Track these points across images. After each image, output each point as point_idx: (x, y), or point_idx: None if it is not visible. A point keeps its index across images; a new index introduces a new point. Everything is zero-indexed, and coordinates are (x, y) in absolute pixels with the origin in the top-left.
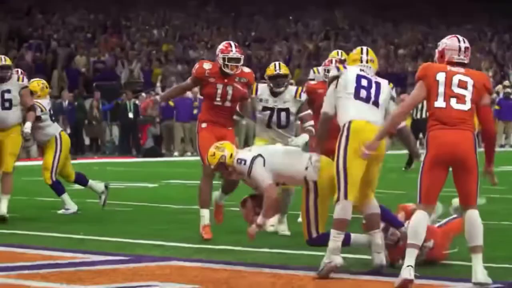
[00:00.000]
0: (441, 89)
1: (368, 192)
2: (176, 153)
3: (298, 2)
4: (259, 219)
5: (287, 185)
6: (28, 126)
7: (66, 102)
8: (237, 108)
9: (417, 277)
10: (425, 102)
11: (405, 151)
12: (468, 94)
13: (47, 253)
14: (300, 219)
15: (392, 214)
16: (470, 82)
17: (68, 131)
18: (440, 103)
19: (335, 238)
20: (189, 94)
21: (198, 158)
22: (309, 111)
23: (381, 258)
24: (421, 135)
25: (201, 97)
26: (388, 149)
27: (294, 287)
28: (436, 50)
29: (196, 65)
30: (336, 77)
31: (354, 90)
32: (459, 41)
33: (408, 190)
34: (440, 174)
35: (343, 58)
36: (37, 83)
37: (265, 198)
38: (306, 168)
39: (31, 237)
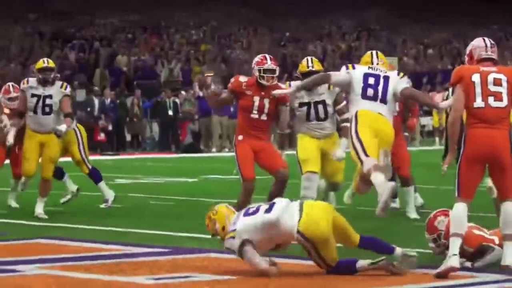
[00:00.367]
0: (478, 89)
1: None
2: (214, 149)
3: (331, 3)
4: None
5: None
6: (63, 128)
7: (108, 100)
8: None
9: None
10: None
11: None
12: (504, 90)
13: (90, 246)
14: None
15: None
16: (504, 78)
17: (110, 128)
18: (478, 103)
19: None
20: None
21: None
22: (345, 103)
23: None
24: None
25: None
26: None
27: (327, 278)
28: (465, 55)
29: (233, 79)
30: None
31: (361, 90)
32: (484, 39)
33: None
34: (477, 171)
35: (379, 59)
36: None
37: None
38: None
39: (74, 230)
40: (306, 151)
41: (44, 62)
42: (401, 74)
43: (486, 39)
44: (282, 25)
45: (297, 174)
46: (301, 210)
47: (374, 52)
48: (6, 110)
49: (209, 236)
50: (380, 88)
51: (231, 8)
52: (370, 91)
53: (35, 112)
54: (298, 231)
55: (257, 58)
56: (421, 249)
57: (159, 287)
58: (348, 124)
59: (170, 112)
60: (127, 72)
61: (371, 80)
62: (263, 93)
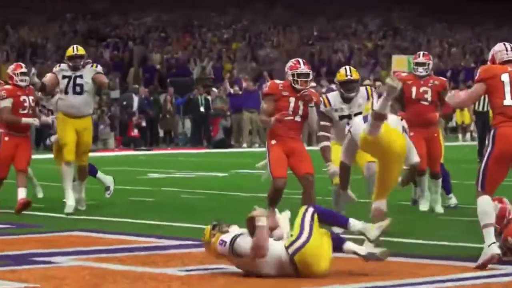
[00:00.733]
0: (507, 88)
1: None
2: (244, 145)
3: (358, 3)
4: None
5: None
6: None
7: (142, 97)
8: None
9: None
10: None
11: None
12: None
13: (123, 238)
14: None
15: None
16: None
17: (144, 124)
18: (508, 101)
19: None
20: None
21: (265, 149)
22: None
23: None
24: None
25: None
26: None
27: (354, 270)
28: (488, 61)
29: (267, 84)
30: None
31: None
32: (504, 44)
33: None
34: (504, 169)
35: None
36: None
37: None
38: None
39: (108, 223)
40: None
41: (74, 50)
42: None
43: (506, 43)
44: (310, 24)
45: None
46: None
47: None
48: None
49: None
50: None
51: (261, 8)
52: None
53: (66, 92)
54: (291, 258)
55: (290, 63)
56: (444, 242)
57: (191, 278)
58: None
59: (202, 109)
60: (161, 70)
61: None
62: (298, 95)
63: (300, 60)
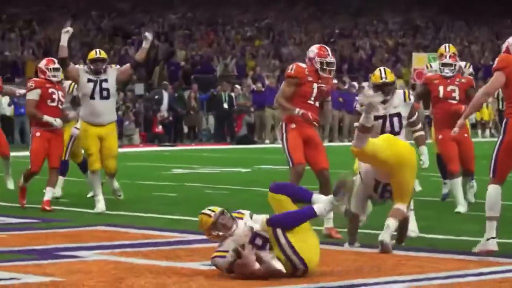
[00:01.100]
0: None
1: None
2: (267, 141)
3: (379, 1)
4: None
5: None
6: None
7: (167, 95)
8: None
9: None
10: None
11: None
12: None
13: (148, 233)
14: None
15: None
16: None
17: (171, 118)
18: None
19: None
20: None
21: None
22: (418, 115)
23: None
24: None
25: None
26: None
27: (375, 264)
28: (502, 52)
29: (292, 66)
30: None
31: None
32: None
33: None
34: None
35: (451, 52)
36: None
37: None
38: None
39: (133, 218)
40: None
41: (96, 53)
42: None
43: None
44: (332, 22)
45: None
46: None
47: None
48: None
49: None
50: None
51: (283, 6)
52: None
53: (92, 97)
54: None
55: (316, 50)
56: (465, 236)
57: (214, 272)
58: (422, 133)
59: (226, 105)
60: (185, 66)
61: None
62: (320, 81)
63: (326, 47)
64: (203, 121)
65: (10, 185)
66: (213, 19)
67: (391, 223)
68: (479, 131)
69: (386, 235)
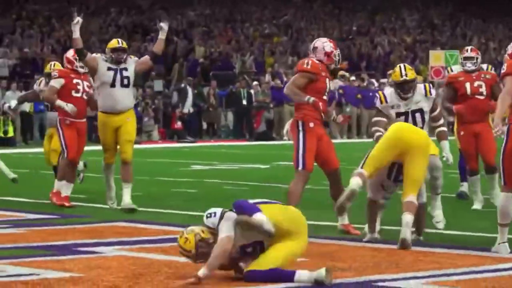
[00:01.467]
0: None
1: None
2: (285, 137)
3: None
4: (201, 272)
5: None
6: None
7: (176, 91)
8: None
9: None
10: None
11: None
12: None
13: (167, 228)
14: None
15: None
16: None
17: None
18: None
19: None
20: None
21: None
22: (439, 110)
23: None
24: None
25: None
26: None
27: (392, 260)
28: (506, 56)
29: (308, 61)
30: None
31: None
32: None
33: None
34: None
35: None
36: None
37: (216, 247)
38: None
39: (152, 214)
40: None
41: (118, 43)
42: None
43: None
44: (350, 19)
45: None
46: None
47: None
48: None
49: None
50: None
51: (302, 3)
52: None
53: (113, 85)
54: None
55: (331, 44)
56: (482, 233)
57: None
58: (445, 129)
59: (244, 102)
60: (204, 63)
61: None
62: (330, 76)
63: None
64: (222, 117)
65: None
66: (232, 16)
67: (409, 219)
68: None
69: (407, 233)
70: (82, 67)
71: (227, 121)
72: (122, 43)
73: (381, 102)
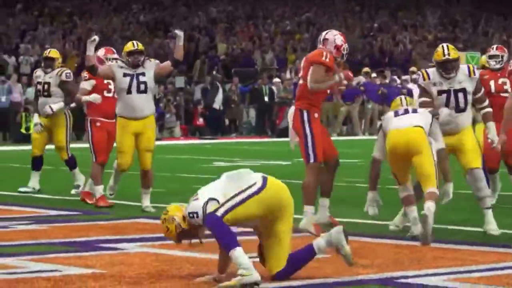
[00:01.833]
0: None
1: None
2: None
3: None
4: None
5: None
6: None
7: (208, 86)
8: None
9: None
10: None
11: None
12: None
13: None
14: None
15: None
16: None
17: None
18: None
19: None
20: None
21: (332, 138)
22: (483, 91)
23: (417, 228)
24: None
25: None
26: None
27: (414, 257)
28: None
29: (326, 54)
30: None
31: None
32: None
33: None
34: None
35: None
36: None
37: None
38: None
39: None
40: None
41: (134, 45)
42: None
43: None
44: (372, 16)
45: None
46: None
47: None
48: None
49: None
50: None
51: (324, 0)
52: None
53: (129, 92)
54: (263, 176)
55: (341, 37)
56: (504, 230)
57: (256, 265)
58: (491, 110)
59: (266, 98)
60: (226, 60)
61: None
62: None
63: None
64: (244, 114)
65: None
66: (254, 13)
67: (432, 206)
68: None
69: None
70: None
71: (249, 118)
72: (137, 45)
73: (424, 79)
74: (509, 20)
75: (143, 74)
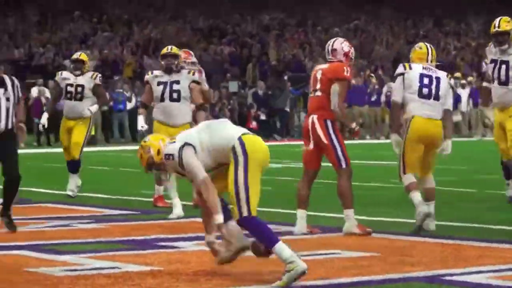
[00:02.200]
0: None
1: (427, 170)
2: (356, 137)
3: (462, 4)
4: (217, 219)
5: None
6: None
7: (261, 92)
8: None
9: None
10: None
11: None
12: None
13: None
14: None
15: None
16: None
17: (263, 117)
18: None
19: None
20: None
21: (381, 141)
22: None
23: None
24: None
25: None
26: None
27: (459, 256)
28: None
29: (347, 68)
30: (401, 74)
31: (417, 89)
32: None
33: None
34: None
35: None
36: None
37: (204, 194)
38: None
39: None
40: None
41: (168, 49)
42: (449, 76)
43: None
44: (417, 24)
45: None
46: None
47: (429, 48)
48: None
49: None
50: (433, 87)
51: (372, 9)
52: (425, 90)
53: (161, 99)
54: (239, 138)
55: (346, 42)
56: None
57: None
58: None
59: None
60: (277, 65)
61: (426, 80)
62: None
63: None
64: (295, 117)
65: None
66: (304, 20)
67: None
68: None
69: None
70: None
71: (300, 122)
72: (171, 49)
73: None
74: None
75: (177, 82)
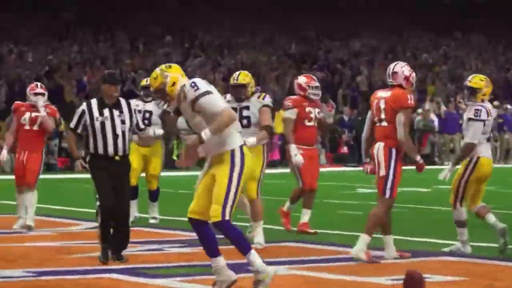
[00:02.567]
0: None
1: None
2: (446, 162)
3: None
4: (205, 133)
5: None
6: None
7: (347, 118)
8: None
9: None
10: None
11: None
12: None
13: (331, 249)
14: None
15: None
16: None
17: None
18: None
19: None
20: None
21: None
22: None
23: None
24: None
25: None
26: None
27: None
28: None
29: (410, 97)
30: (484, 121)
31: (488, 134)
32: None
33: None
34: None
35: None
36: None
37: (219, 118)
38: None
39: (321, 235)
40: None
41: (234, 79)
42: None
43: None
44: (507, 50)
45: None
46: None
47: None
48: None
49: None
50: None
51: (461, 35)
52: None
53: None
54: (241, 147)
55: (407, 67)
56: None
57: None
58: None
59: None
60: (367, 91)
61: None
62: None
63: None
64: None
65: None
66: (393, 46)
67: None
68: None
69: None
70: (314, 94)
71: None
72: (237, 79)
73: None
74: None
75: (246, 108)
